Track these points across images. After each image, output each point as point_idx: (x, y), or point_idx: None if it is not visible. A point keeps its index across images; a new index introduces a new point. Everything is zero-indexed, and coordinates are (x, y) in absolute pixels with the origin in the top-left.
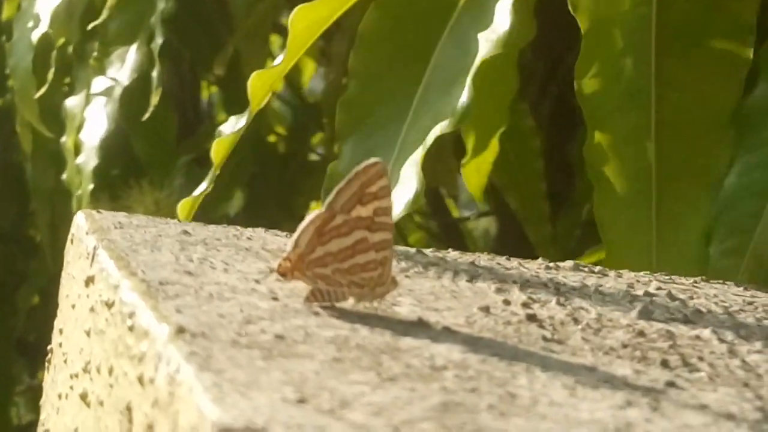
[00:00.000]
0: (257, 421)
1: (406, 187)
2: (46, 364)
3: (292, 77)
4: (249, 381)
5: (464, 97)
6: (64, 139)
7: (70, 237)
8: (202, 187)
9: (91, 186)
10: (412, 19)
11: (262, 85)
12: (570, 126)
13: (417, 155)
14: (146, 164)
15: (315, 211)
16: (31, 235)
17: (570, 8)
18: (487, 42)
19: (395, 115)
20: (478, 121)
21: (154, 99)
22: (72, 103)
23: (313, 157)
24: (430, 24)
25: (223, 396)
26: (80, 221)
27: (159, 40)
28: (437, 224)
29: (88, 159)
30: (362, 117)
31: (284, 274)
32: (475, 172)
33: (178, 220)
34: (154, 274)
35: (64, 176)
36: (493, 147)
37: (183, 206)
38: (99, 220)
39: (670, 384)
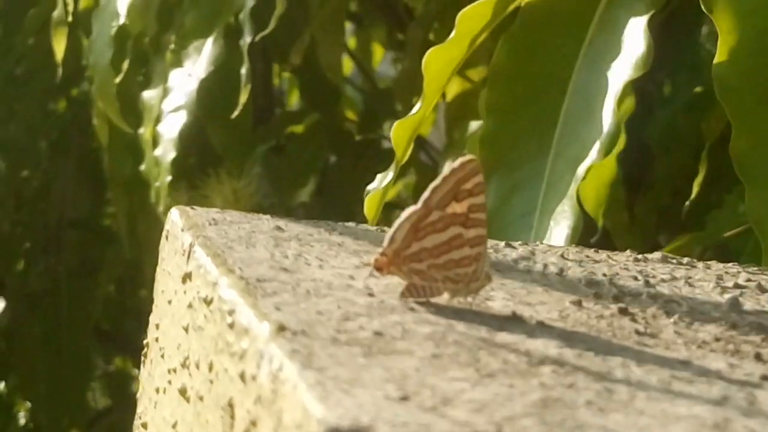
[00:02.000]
0: (363, 419)
1: (562, 222)
2: (142, 358)
3: (363, 63)
4: (351, 378)
5: (609, 123)
6: (141, 130)
7: (164, 233)
8: (389, 177)
9: (169, 178)
10: (544, 49)
11: (404, 134)
12: (645, 110)
13: (571, 190)
14: (223, 154)
15: (410, 208)
16: (105, 224)
17: (704, 8)
18: (625, 65)
19: (538, 148)
20: None
21: (243, 96)
22: (149, 95)
23: (385, 144)
24: (563, 51)
25: (327, 394)
26: (174, 218)
27: (248, 38)
28: None
29: (166, 151)
30: (504, 153)
31: (380, 269)
32: (594, 195)
33: (268, 216)
34: (251, 271)
35: (143, 167)
36: (611, 168)
37: (370, 202)
38: (193, 217)
39: (765, 378)
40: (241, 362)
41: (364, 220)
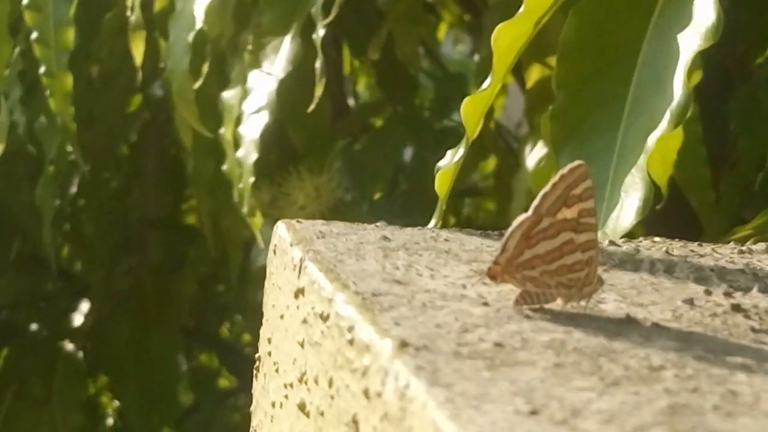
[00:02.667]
0: None
1: (632, 194)
2: (254, 371)
3: (432, 47)
4: (479, 393)
5: (679, 94)
6: (222, 131)
7: (272, 248)
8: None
9: (252, 179)
10: (613, 21)
11: (474, 110)
12: (725, 86)
13: (641, 161)
14: (304, 151)
15: (522, 215)
16: (187, 223)
17: None
18: (695, 35)
19: (608, 120)
20: None
21: (319, 90)
22: (228, 95)
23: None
24: (632, 23)
25: (458, 411)
26: (282, 232)
27: (321, 32)
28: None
29: (248, 152)
30: (575, 127)
31: (494, 277)
32: (660, 162)
33: (375, 226)
34: (365, 285)
35: (225, 167)
36: (678, 136)
37: (441, 179)
38: (300, 231)
39: None
40: (363, 379)
41: (448, 211)
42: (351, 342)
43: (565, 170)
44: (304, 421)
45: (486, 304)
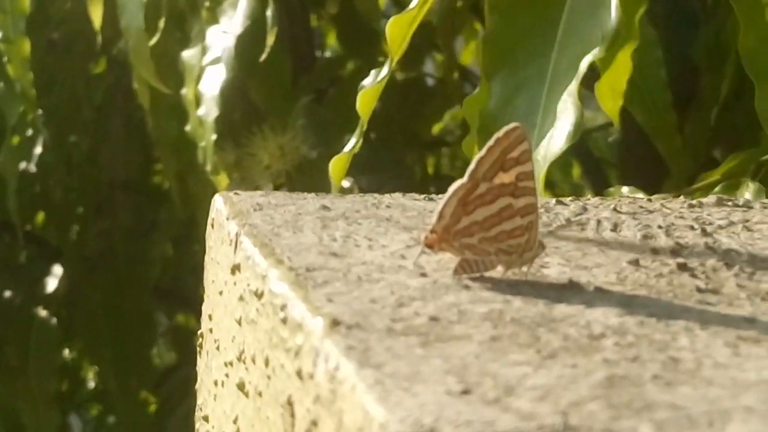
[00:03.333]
0: (425, 420)
1: (564, 119)
2: (198, 348)
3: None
4: (411, 373)
5: (612, 19)
6: (184, 91)
7: (210, 221)
8: (351, 143)
9: (214, 136)
10: None
11: (399, 31)
12: (690, 27)
13: (572, 86)
14: (266, 109)
15: (457, 182)
16: (158, 184)
17: None
18: None
19: (541, 46)
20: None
21: (270, 39)
22: (189, 54)
23: (429, 82)
24: None
25: (387, 394)
26: (219, 205)
27: None
28: None
29: (209, 110)
30: (507, 52)
31: (431, 246)
32: (609, 93)
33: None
34: (300, 260)
35: (188, 128)
36: (626, 65)
37: (336, 165)
38: (238, 203)
39: None
40: (297, 359)
41: (414, 164)
42: (284, 320)
43: (500, 133)
44: (244, 401)
45: (424, 275)
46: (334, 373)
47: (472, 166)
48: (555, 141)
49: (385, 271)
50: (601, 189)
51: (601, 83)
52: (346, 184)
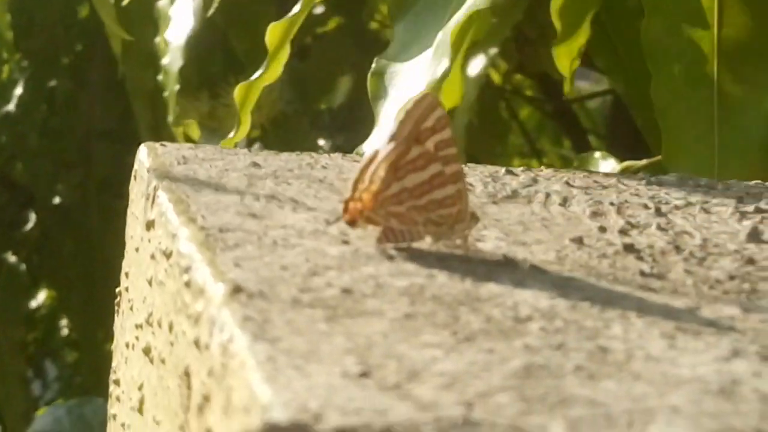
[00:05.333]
0: (311, 405)
1: (441, 62)
2: (116, 306)
3: None
4: (308, 351)
5: None
6: (157, 39)
7: (133, 172)
8: (297, 8)
9: (177, 87)
10: None
11: (279, 36)
12: None
13: (451, 28)
14: (245, 59)
15: (382, 144)
16: (135, 134)
17: None
18: None
19: None
20: (568, 3)
21: None
22: (163, 2)
23: None
24: None
25: (276, 373)
26: (142, 156)
27: None
28: (550, 106)
29: (173, 59)
30: (412, 2)
31: (353, 221)
32: (566, 56)
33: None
34: (214, 219)
35: (160, 77)
36: (585, 30)
37: (240, 90)
38: (162, 155)
39: None
40: (196, 327)
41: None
42: (188, 284)
43: (409, 104)
44: (149, 367)
45: (346, 242)
46: (227, 345)
47: (384, 140)
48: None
49: (305, 236)
50: None
51: (558, 45)
52: (321, 142)
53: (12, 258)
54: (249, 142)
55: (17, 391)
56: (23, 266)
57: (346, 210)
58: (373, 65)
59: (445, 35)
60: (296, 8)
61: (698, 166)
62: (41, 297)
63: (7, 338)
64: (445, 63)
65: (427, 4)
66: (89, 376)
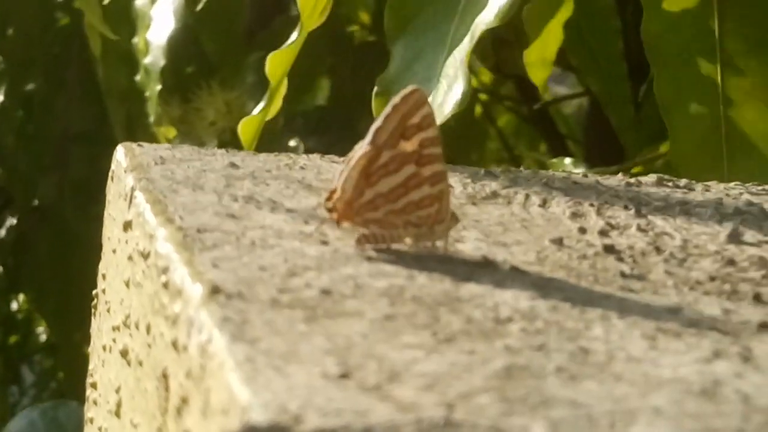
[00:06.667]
0: (290, 406)
1: (455, 87)
2: (92, 309)
3: None
4: (287, 352)
5: None
6: (135, 39)
7: (110, 173)
8: (260, 106)
9: (159, 87)
10: None
11: (279, 66)
12: None
13: (461, 53)
14: (217, 63)
15: (356, 152)
16: (112, 137)
17: None
18: None
19: (444, 13)
20: (540, 8)
21: None
22: (141, 2)
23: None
24: None
25: (256, 374)
26: (119, 156)
27: None
28: (527, 109)
29: (155, 59)
30: (410, 18)
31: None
32: (538, 62)
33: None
34: (192, 220)
35: (138, 78)
36: (556, 35)
37: (245, 128)
38: (139, 156)
39: (764, 326)
40: (174, 328)
41: (366, 126)
42: (165, 285)
43: (396, 99)
44: (126, 370)
45: (326, 242)
46: (206, 346)
47: (369, 136)
48: (443, 108)
49: (284, 236)
50: None
51: (530, 52)
52: (292, 143)
53: None
54: (220, 146)
55: None
56: (0, 269)
57: (330, 214)
58: (376, 87)
59: (456, 60)
60: (293, 36)
61: (707, 165)
62: (21, 300)
63: None
64: (461, 85)
65: (427, 20)
66: (66, 379)
